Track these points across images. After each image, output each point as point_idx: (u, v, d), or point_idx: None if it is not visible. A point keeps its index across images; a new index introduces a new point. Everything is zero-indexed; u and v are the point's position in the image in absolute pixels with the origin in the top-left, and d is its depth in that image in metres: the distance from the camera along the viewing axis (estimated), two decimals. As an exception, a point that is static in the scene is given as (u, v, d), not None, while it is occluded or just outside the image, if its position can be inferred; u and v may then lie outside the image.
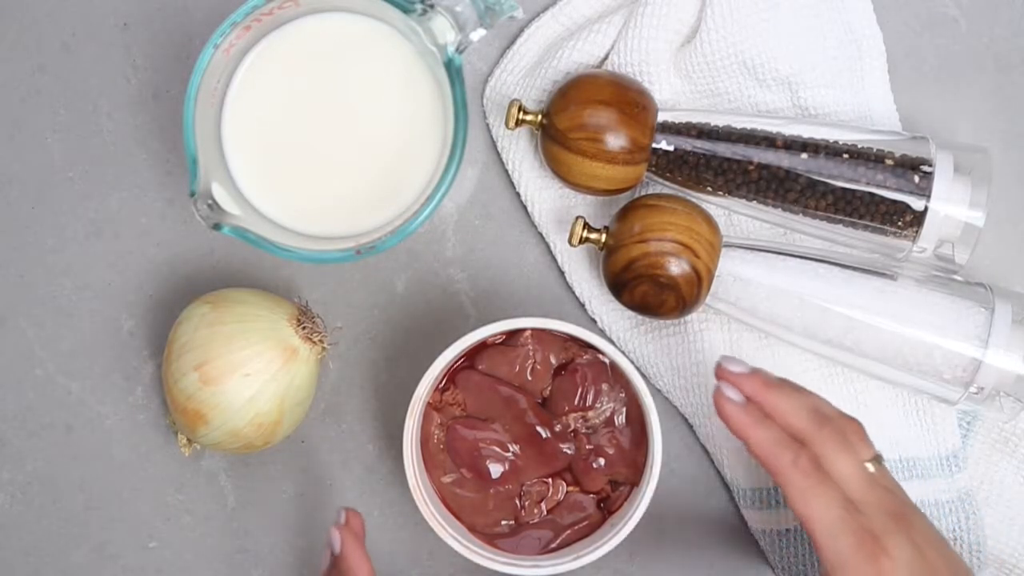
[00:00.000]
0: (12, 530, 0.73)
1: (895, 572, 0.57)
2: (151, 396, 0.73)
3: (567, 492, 0.68)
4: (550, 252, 0.73)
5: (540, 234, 0.72)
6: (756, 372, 0.61)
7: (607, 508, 0.67)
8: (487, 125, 0.73)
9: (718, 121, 0.67)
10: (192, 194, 0.62)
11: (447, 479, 0.67)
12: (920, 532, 0.58)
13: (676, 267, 0.65)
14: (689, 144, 0.67)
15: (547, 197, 0.72)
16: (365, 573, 0.62)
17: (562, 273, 0.72)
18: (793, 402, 0.60)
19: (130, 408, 0.73)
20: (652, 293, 0.66)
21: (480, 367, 0.67)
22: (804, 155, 0.66)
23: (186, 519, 0.72)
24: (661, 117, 0.67)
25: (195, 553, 0.72)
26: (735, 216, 0.71)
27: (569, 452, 0.67)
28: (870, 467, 0.60)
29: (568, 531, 0.67)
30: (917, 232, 0.65)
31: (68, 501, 0.73)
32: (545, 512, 0.68)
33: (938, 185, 0.65)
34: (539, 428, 0.66)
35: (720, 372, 0.61)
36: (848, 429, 0.60)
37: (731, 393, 0.60)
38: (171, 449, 0.72)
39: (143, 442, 0.73)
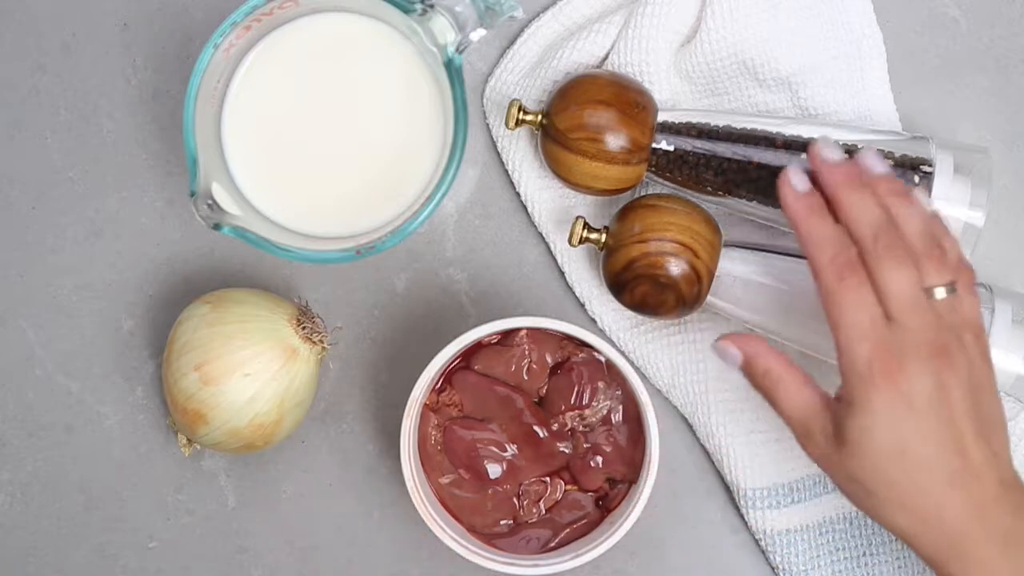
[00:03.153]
0: (12, 530, 0.73)
1: (910, 397, 0.52)
2: (151, 396, 0.73)
3: (565, 491, 0.68)
4: (550, 252, 0.72)
5: (540, 234, 0.72)
6: (849, 165, 0.56)
7: (605, 506, 0.67)
8: (487, 125, 0.73)
9: (718, 121, 0.67)
10: (192, 194, 0.62)
11: (445, 480, 0.67)
12: (956, 372, 0.53)
13: (676, 267, 0.65)
14: (689, 144, 0.67)
15: (547, 197, 0.72)
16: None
17: (562, 273, 0.72)
18: (866, 210, 0.55)
19: (130, 408, 0.73)
20: (652, 293, 0.66)
21: (476, 367, 0.67)
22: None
23: (186, 519, 0.72)
24: (661, 117, 0.67)
25: (195, 553, 0.72)
26: (735, 216, 0.71)
27: (566, 451, 0.67)
28: (940, 292, 0.54)
29: (567, 530, 0.67)
30: (917, 232, 0.65)
31: (68, 501, 0.73)
32: (544, 511, 0.68)
33: (938, 185, 0.64)
34: (536, 427, 0.66)
35: (812, 153, 0.57)
36: (926, 250, 0.55)
37: (796, 180, 0.57)
38: (171, 449, 0.72)
39: (143, 442, 0.73)
